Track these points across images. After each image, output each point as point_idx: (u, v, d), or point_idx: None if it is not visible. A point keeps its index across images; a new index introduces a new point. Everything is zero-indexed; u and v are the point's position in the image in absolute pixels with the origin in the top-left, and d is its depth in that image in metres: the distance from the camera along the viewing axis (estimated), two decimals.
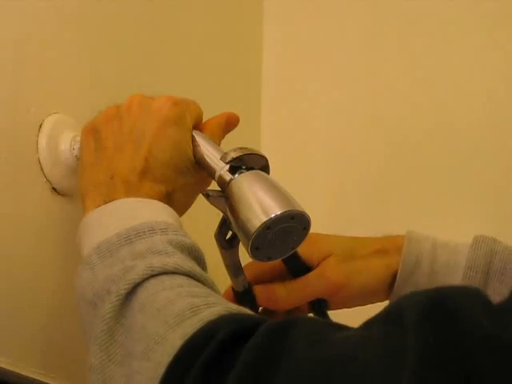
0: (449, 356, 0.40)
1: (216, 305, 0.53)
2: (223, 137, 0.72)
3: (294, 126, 1.17)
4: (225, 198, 0.65)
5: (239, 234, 0.64)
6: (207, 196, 0.67)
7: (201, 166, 0.67)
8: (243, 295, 0.75)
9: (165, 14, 0.96)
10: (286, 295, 0.76)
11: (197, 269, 0.58)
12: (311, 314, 0.78)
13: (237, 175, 0.65)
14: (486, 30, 1.06)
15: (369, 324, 0.46)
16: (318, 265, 0.76)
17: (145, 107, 0.67)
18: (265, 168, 0.67)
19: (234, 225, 0.65)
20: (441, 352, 0.40)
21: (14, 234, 0.70)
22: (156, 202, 0.63)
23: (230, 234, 0.70)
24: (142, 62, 0.90)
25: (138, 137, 0.65)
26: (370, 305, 0.78)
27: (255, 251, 0.63)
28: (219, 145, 0.71)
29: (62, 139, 0.74)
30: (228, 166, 0.65)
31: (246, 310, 0.54)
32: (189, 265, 0.58)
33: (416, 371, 0.39)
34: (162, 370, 0.48)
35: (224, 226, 0.69)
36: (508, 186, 1.02)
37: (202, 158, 0.67)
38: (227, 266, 0.73)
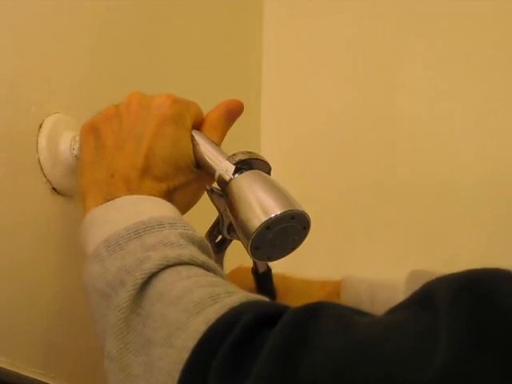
0: (485, 335, 0.40)
1: (236, 293, 0.53)
2: (228, 127, 0.71)
3: (294, 125, 1.17)
4: (225, 197, 0.65)
5: (239, 234, 0.64)
6: (211, 191, 0.67)
7: (200, 166, 0.67)
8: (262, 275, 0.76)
9: (165, 14, 0.96)
10: None
11: (210, 261, 0.58)
12: None
13: (237, 175, 0.64)
14: (488, 31, 1.06)
15: (395, 310, 0.46)
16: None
17: (144, 105, 0.67)
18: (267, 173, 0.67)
19: (234, 224, 0.65)
20: (476, 331, 0.40)
21: (14, 234, 0.70)
22: (158, 199, 0.64)
23: (219, 237, 0.70)
24: (142, 62, 0.90)
25: (137, 135, 0.65)
26: None
27: (255, 251, 0.63)
28: (224, 136, 0.70)
29: (61, 139, 0.74)
30: (234, 166, 0.65)
31: (266, 299, 0.54)
32: (203, 256, 0.58)
33: (451, 351, 0.39)
34: (186, 355, 0.48)
35: (215, 229, 0.69)
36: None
37: (202, 157, 0.67)
38: None
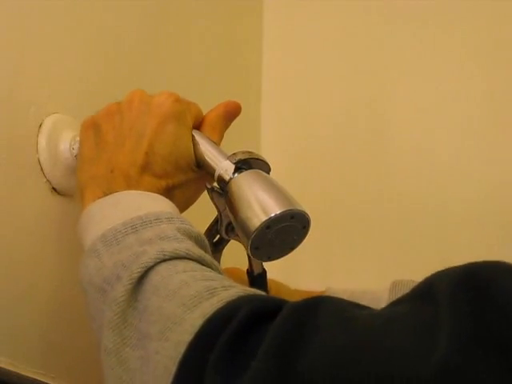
0: (484, 329, 0.40)
1: (233, 287, 0.53)
2: (226, 127, 0.71)
3: (294, 125, 1.17)
4: (224, 196, 0.65)
5: (239, 233, 0.64)
6: (211, 190, 0.67)
7: (200, 165, 0.67)
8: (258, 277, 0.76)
9: (165, 14, 0.96)
10: None
11: (207, 256, 0.58)
12: None
13: (236, 174, 0.65)
14: (488, 31, 1.06)
15: (396, 303, 0.46)
16: None
17: (146, 102, 0.67)
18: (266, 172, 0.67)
19: (233, 223, 0.65)
20: (476, 325, 0.40)
21: (14, 234, 0.70)
22: (157, 195, 0.64)
23: (217, 237, 0.70)
24: (142, 62, 0.90)
25: (138, 131, 0.65)
26: None
27: (255, 250, 0.63)
28: (222, 136, 0.71)
29: (61, 139, 0.74)
30: (233, 166, 0.65)
31: (263, 293, 0.54)
32: (199, 251, 0.58)
33: (450, 346, 0.39)
34: (182, 349, 0.48)
35: (214, 228, 0.69)
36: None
37: (202, 156, 0.67)
38: None
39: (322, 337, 0.44)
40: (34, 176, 0.72)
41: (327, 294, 0.79)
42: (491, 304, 0.41)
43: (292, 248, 0.66)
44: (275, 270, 0.76)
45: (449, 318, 0.41)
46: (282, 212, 0.61)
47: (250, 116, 1.13)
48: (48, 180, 0.73)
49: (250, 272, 0.75)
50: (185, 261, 0.56)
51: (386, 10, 1.12)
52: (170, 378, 0.48)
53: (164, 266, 0.55)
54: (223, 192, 0.65)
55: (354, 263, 1.09)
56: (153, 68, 0.92)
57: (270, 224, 0.61)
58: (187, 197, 0.68)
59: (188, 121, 0.68)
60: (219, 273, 0.58)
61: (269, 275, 0.74)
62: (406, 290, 0.71)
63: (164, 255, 0.56)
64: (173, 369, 0.48)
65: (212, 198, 0.67)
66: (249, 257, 0.72)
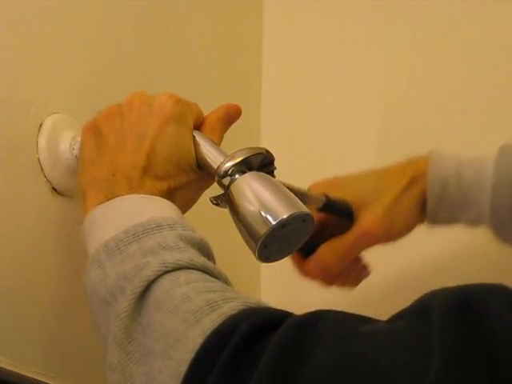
0: (473, 353, 0.40)
1: (234, 299, 0.53)
2: (225, 130, 0.71)
3: (295, 125, 1.17)
4: (226, 198, 0.65)
5: (242, 236, 0.64)
6: (217, 205, 0.67)
7: (201, 166, 0.67)
8: (325, 209, 0.78)
9: (165, 14, 0.96)
10: (335, 261, 0.80)
11: (209, 263, 0.58)
12: None
13: (237, 176, 0.64)
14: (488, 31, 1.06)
15: (395, 318, 0.46)
16: (355, 210, 0.80)
17: (147, 104, 0.67)
18: (271, 164, 0.66)
19: (236, 225, 0.65)
20: (466, 348, 0.40)
21: (14, 234, 0.70)
22: (159, 198, 0.63)
23: None
24: (141, 62, 0.90)
25: (139, 133, 0.65)
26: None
27: (264, 249, 0.63)
28: (222, 138, 0.70)
29: (61, 139, 0.74)
30: (233, 168, 0.65)
31: (265, 304, 0.54)
32: (202, 259, 0.58)
33: (440, 370, 0.39)
34: (183, 368, 0.48)
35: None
36: None
37: (203, 157, 0.67)
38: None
39: (320, 353, 0.44)
40: (34, 176, 0.72)
41: (431, 162, 0.79)
42: (481, 330, 0.41)
43: (294, 249, 0.66)
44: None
45: (440, 342, 0.41)
46: (290, 216, 0.61)
47: (250, 116, 1.13)
48: (48, 180, 0.73)
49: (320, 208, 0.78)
50: (187, 271, 0.56)
51: (386, 10, 1.12)
52: None
53: (166, 278, 0.55)
54: (225, 194, 0.65)
55: None
56: (153, 68, 0.92)
57: (280, 227, 0.61)
58: (188, 198, 0.68)
59: (189, 122, 0.68)
60: (223, 280, 0.58)
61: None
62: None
63: (166, 267, 0.55)
64: None
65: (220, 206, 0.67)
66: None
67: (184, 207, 0.67)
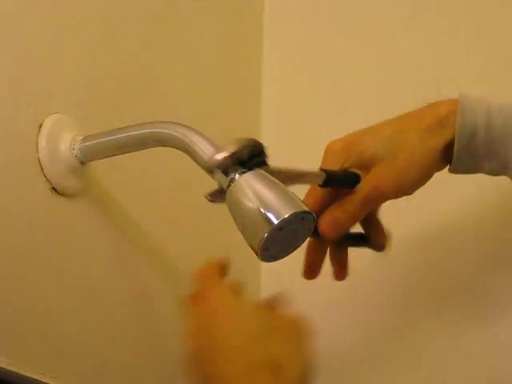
0: None
1: None
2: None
3: (295, 125, 1.17)
4: (227, 198, 0.65)
5: (244, 236, 0.64)
6: (212, 201, 0.67)
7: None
8: (327, 184, 0.77)
9: (165, 14, 0.96)
10: (347, 218, 0.78)
11: None
12: None
13: (237, 175, 0.64)
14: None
15: None
16: (365, 171, 0.77)
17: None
18: (262, 154, 0.66)
19: (236, 226, 0.65)
20: None
21: (13, 234, 0.70)
22: None
23: None
24: (141, 62, 0.90)
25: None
26: None
27: (265, 252, 0.63)
28: None
29: (61, 139, 0.74)
30: (226, 166, 0.65)
31: None
32: None
33: None
34: None
35: None
36: None
37: (202, 157, 0.67)
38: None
39: None
40: (34, 176, 0.72)
41: (461, 107, 0.75)
42: None
43: (295, 247, 0.66)
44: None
45: None
46: (291, 215, 0.62)
47: (249, 116, 1.13)
48: (48, 180, 0.73)
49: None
50: None
51: (387, 10, 1.12)
52: None
53: None
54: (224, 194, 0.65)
55: (355, 263, 1.09)
56: (153, 68, 0.92)
57: (282, 226, 0.61)
58: None
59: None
60: None
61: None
62: None
63: None
64: None
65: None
66: None
67: None
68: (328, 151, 0.80)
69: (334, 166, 0.78)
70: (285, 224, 0.62)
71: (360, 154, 0.78)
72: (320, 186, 0.77)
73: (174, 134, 0.70)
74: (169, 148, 0.71)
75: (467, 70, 1.07)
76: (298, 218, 0.62)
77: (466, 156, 0.76)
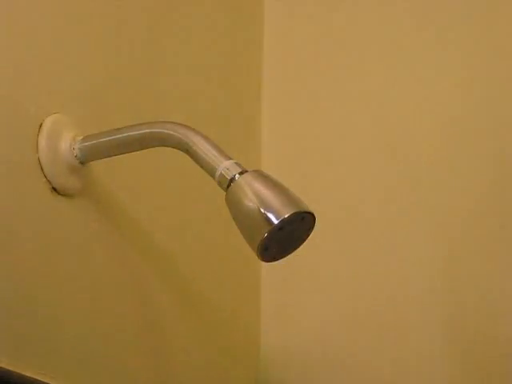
0: None
1: None
2: None
3: (295, 125, 1.17)
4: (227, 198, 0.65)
5: (244, 236, 0.64)
6: None
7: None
8: None
9: (165, 14, 0.96)
10: None
11: None
12: None
13: (237, 175, 0.65)
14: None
15: None
16: None
17: None
18: None
19: (237, 226, 0.65)
20: None
21: (13, 234, 0.70)
22: None
23: None
24: (142, 62, 0.90)
25: None
26: None
27: (264, 252, 0.63)
28: None
29: (62, 139, 0.74)
30: (235, 166, 0.65)
31: None
32: None
33: None
34: None
35: None
36: None
37: (202, 158, 0.67)
38: None
39: None
40: (34, 176, 0.72)
41: None
42: None
43: (295, 248, 0.66)
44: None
45: None
46: (291, 215, 0.62)
47: (250, 117, 1.13)
48: (48, 180, 0.73)
49: None
50: None
51: (387, 10, 1.12)
52: None
53: None
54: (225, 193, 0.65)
55: (356, 263, 1.09)
56: (153, 68, 0.92)
57: (282, 226, 0.61)
58: None
59: None
60: None
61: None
62: None
63: None
64: None
65: None
66: None
67: None
68: None
69: None
70: (285, 224, 0.62)
71: None
72: None
73: (174, 134, 0.70)
74: (169, 148, 0.71)
75: (472, 73, 1.07)
76: (299, 218, 0.62)
77: None
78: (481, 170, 1.04)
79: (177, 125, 0.70)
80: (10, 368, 0.67)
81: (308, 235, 0.66)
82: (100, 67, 0.83)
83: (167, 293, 0.90)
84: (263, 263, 0.82)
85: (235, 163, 0.65)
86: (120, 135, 0.74)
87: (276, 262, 0.67)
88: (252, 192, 0.63)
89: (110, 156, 0.76)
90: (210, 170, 0.66)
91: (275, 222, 0.61)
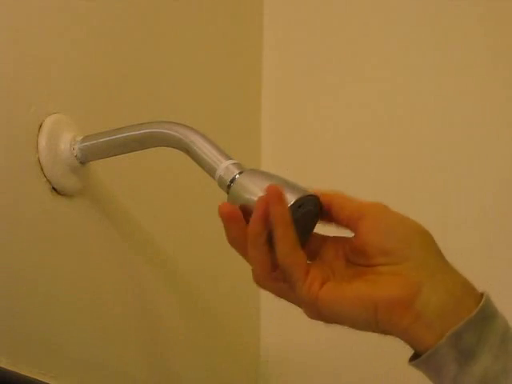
0: None
1: None
2: None
3: (295, 126, 1.17)
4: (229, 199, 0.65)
5: None
6: None
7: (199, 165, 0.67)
8: None
9: (165, 16, 0.96)
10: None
11: None
12: None
13: (238, 175, 0.65)
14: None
15: None
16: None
17: None
18: None
19: None
20: None
21: (13, 234, 0.70)
22: None
23: None
24: (141, 62, 0.90)
25: None
26: None
27: None
28: None
29: (62, 139, 0.74)
30: (235, 165, 0.65)
31: None
32: None
33: None
34: None
35: None
36: None
37: (202, 158, 0.67)
38: None
39: None
40: (34, 176, 0.72)
41: (486, 296, 0.65)
42: None
43: (307, 236, 0.65)
44: None
45: None
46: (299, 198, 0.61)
47: (249, 116, 1.13)
48: (48, 180, 0.73)
49: None
50: None
51: (387, 10, 1.12)
52: None
53: None
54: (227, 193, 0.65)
55: None
56: (153, 68, 0.92)
57: (302, 203, 0.61)
58: None
59: None
60: None
61: None
62: None
63: None
64: None
65: None
66: None
67: None
68: None
69: None
70: (303, 202, 0.61)
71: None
72: None
73: (174, 134, 0.70)
74: (169, 148, 0.71)
75: (474, 75, 1.07)
76: (310, 204, 0.62)
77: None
78: (484, 171, 1.04)
79: (177, 125, 0.71)
80: (10, 368, 0.67)
81: (314, 225, 0.65)
82: (100, 67, 0.83)
83: (167, 292, 0.90)
84: None
85: (235, 163, 0.65)
86: (120, 135, 0.74)
87: None
88: (254, 185, 0.63)
89: (109, 156, 0.76)
90: (210, 170, 0.67)
91: (292, 200, 0.61)
